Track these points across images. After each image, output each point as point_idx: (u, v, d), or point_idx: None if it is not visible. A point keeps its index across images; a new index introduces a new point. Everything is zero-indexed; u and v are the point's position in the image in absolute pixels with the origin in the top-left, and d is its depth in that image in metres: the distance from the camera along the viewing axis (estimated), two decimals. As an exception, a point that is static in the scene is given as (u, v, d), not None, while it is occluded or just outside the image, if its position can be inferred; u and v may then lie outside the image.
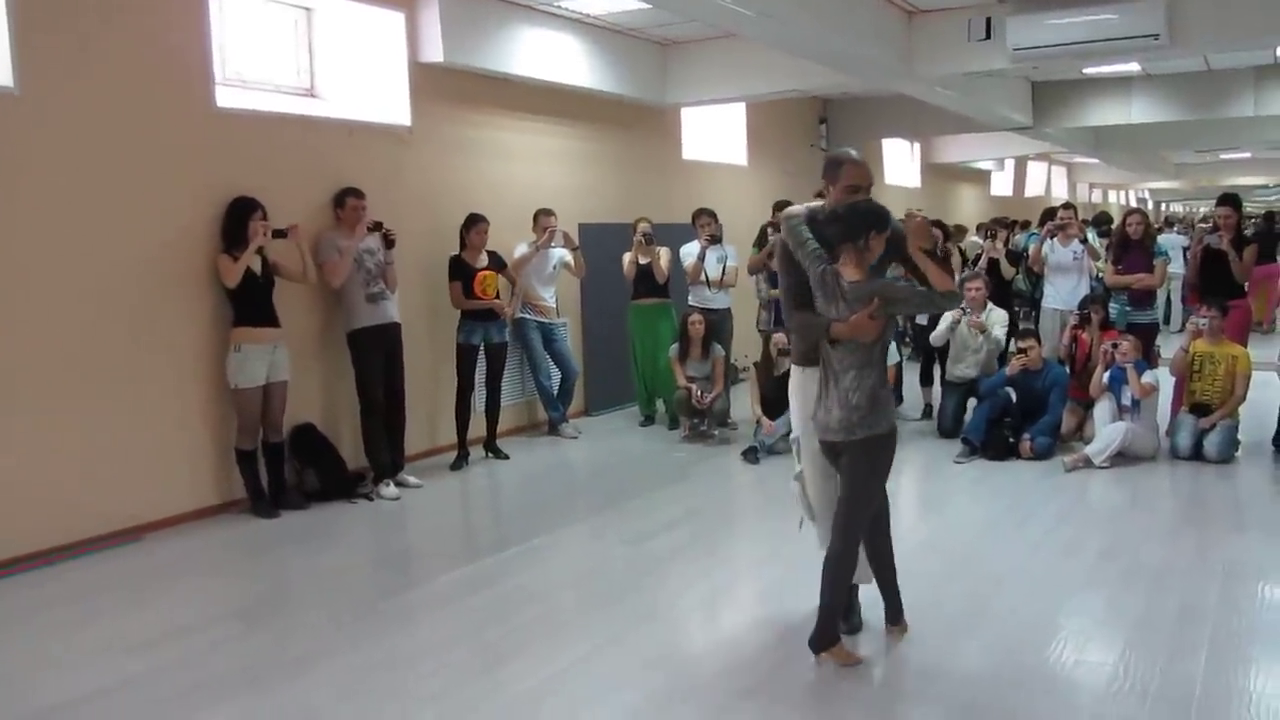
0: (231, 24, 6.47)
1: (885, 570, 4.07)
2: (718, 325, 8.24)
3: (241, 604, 4.76)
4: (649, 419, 8.61)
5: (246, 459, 5.95)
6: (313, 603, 4.74)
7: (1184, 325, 7.53)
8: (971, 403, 7.61)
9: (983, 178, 19.85)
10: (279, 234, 5.93)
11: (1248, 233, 8.83)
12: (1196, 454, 6.82)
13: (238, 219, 5.82)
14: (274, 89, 6.76)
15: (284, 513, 6.00)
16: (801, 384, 4.05)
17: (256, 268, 5.87)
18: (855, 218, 3.70)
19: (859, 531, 3.82)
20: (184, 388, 5.85)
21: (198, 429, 5.93)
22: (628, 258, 8.36)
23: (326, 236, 6.37)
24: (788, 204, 8.29)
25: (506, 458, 7.42)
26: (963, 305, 7.73)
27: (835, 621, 3.86)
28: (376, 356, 6.45)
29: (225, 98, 6.13)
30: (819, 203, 4.05)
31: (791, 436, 4.21)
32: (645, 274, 8.32)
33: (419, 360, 7.12)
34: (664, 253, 8.33)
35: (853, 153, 4.00)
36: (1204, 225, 11.67)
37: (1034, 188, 22.12)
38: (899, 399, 8.53)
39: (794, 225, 3.88)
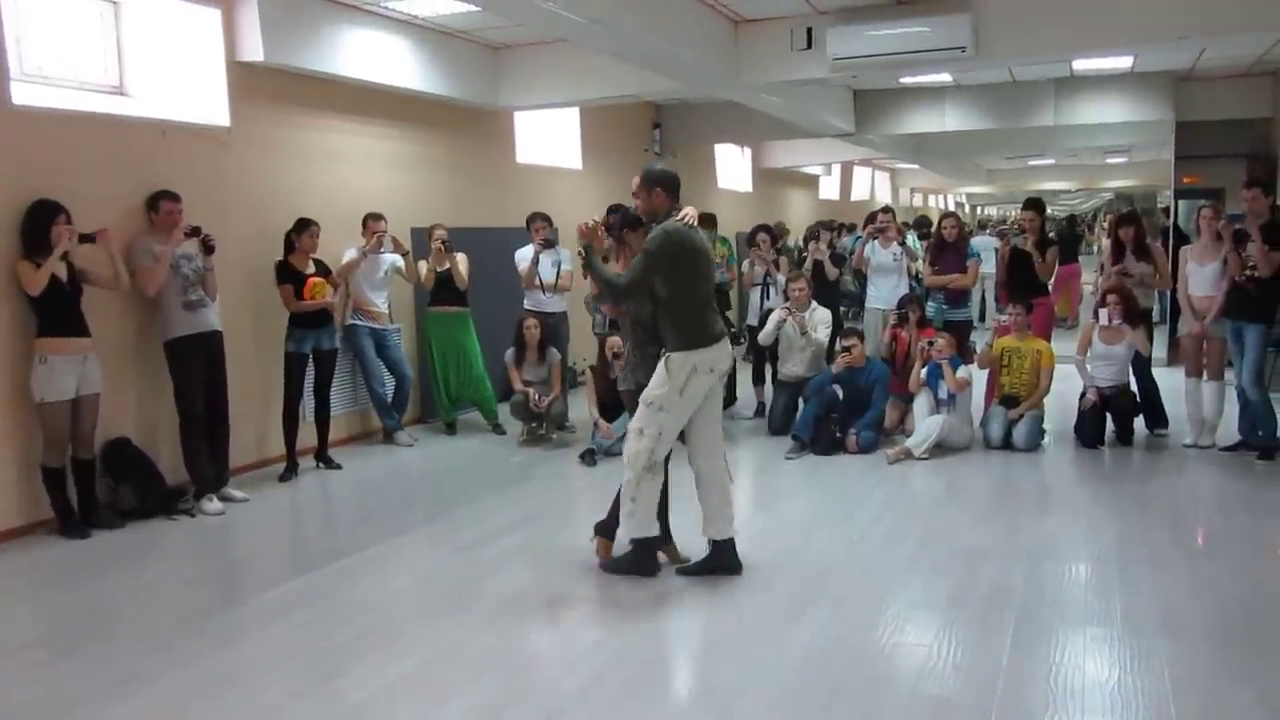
0: (30, 15, 6.08)
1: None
2: (553, 329, 8.24)
3: (51, 628, 4.49)
4: (450, 426, 8.47)
5: (53, 477, 5.62)
6: (130, 624, 4.50)
7: (1000, 322, 8.00)
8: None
9: (812, 182, 20.49)
10: (86, 239, 5.63)
11: (1051, 235, 9.42)
12: (1007, 443, 7.24)
13: (39, 223, 5.50)
14: (79, 86, 6.40)
15: (96, 532, 5.69)
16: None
17: (63, 274, 5.56)
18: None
19: None
20: (-18, 403, 5.49)
21: (-1, 446, 5.58)
22: (424, 266, 8.13)
23: (140, 242, 6.08)
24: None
25: (339, 467, 7.24)
26: (786, 305, 8.02)
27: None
28: (196, 366, 6.18)
29: (23, 94, 5.78)
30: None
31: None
32: (445, 281, 8.09)
33: (245, 369, 6.88)
34: (462, 259, 8.11)
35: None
36: (1004, 227, 12.31)
37: (860, 192, 22.99)
38: (732, 398, 8.74)
39: None
